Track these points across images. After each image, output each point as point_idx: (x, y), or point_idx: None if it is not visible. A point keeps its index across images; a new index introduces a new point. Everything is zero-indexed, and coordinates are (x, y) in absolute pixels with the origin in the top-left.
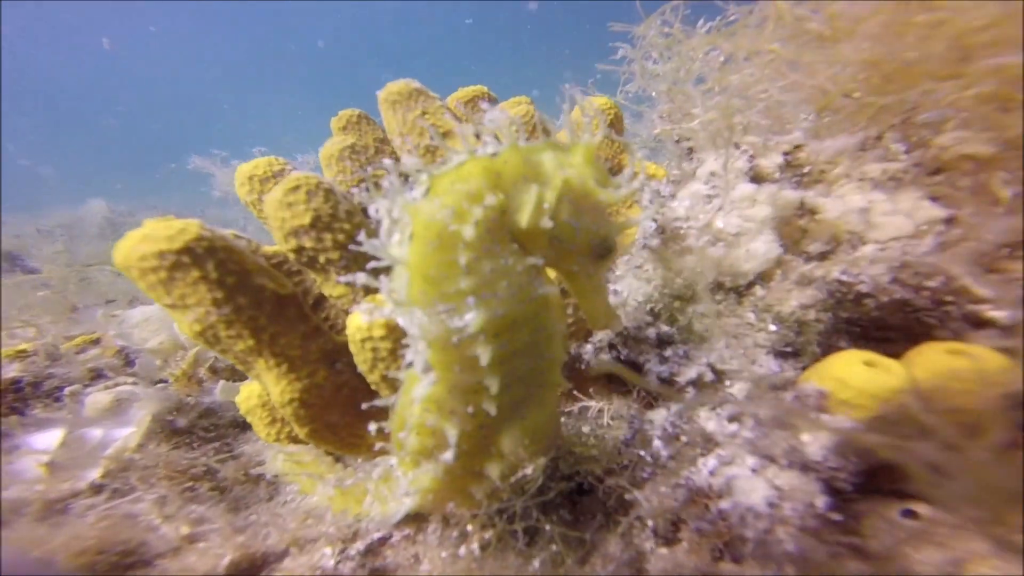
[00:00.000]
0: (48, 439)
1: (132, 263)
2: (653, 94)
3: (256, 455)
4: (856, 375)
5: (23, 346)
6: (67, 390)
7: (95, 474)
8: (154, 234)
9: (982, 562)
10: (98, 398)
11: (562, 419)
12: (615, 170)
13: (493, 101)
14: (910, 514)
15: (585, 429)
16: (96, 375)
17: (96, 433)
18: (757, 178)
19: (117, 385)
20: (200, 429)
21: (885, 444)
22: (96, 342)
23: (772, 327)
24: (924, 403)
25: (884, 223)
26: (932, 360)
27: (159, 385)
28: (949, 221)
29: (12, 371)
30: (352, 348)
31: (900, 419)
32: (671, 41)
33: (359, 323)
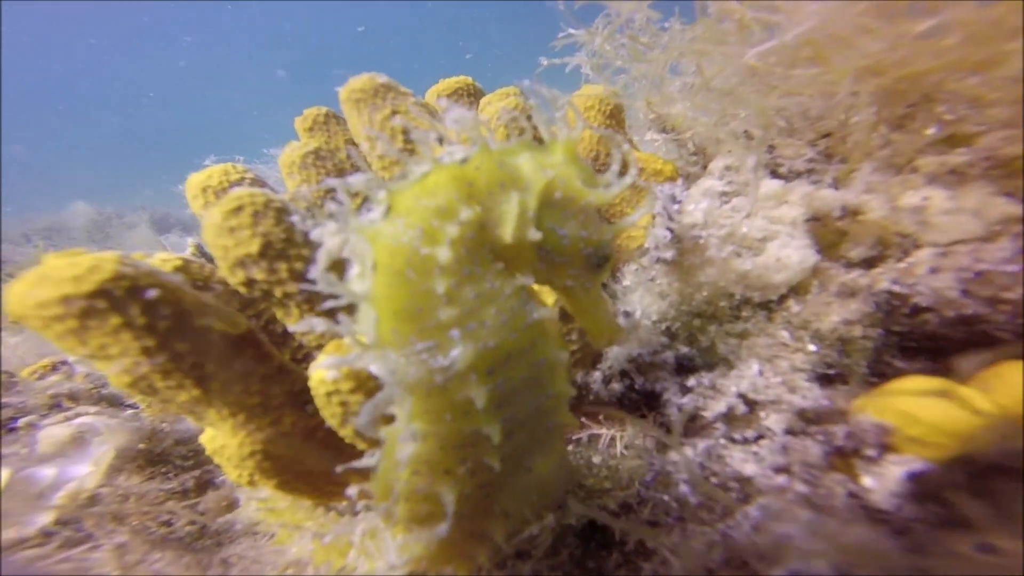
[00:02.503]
0: None
1: (28, 311)
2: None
3: (236, 484)
4: (928, 408)
5: None
6: (21, 421)
7: (45, 520)
8: (55, 275)
9: None
10: (54, 432)
11: (570, 447)
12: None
13: (477, 94)
14: (989, 549)
15: (596, 459)
16: (56, 404)
17: (48, 473)
18: (780, 172)
19: (78, 416)
20: (177, 457)
21: (972, 494)
22: (56, 367)
23: (811, 347)
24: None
25: (944, 223)
26: (1018, 384)
27: (129, 412)
28: None
29: None
30: (318, 403)
31: (989, 459)
32: (634, 50)
33: (322, 377)
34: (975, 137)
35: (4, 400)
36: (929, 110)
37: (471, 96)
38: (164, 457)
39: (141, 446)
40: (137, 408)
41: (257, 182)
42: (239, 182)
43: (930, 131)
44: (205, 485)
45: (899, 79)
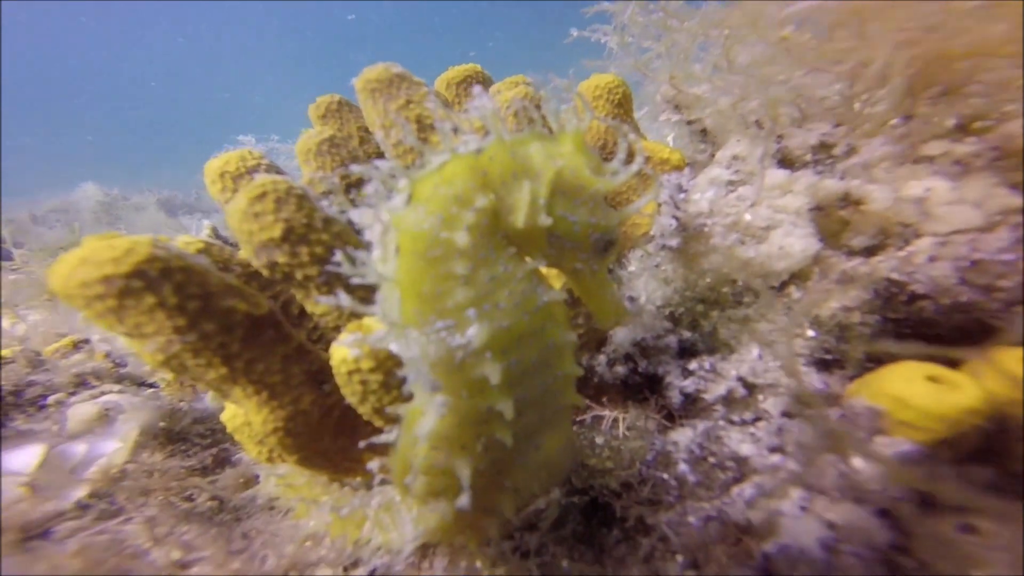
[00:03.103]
0: (26, 457)
1: (73, 290)
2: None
3: (255, 461)
4: (918, 393)
5: (2, 352)
6: (50, 399)
7: (79, 493)
8: (95, 256)
9: None
10: (81, 410)
11: (574, 428)
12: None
13: (486, 82)
14: (969, 529)
15: (599, 440)
16: (81, 382)
17: (79, 449)
18: (787, 161)
19: (103, 394)
20: (195, 435)
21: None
22: (78, 346)
23: (810, 332)
24: (1003, 425)
25: (945, 213)
26: (1010, 371)
27: (149, 391)
28: None
29: None
30: (338, 381)
31: (975, 443)
32: (664, 23)
33: (344, 356)
34: (991, 128)
35: (33, 378)
36: (950, 101)
37: (480, 84)
38: (183, 435)
39: (162, 424)
40: (157, 387)
41: (272, 168)
42: (255, 168)
43: (949, 123)
44: (223, 462)
45: (933, 60)
